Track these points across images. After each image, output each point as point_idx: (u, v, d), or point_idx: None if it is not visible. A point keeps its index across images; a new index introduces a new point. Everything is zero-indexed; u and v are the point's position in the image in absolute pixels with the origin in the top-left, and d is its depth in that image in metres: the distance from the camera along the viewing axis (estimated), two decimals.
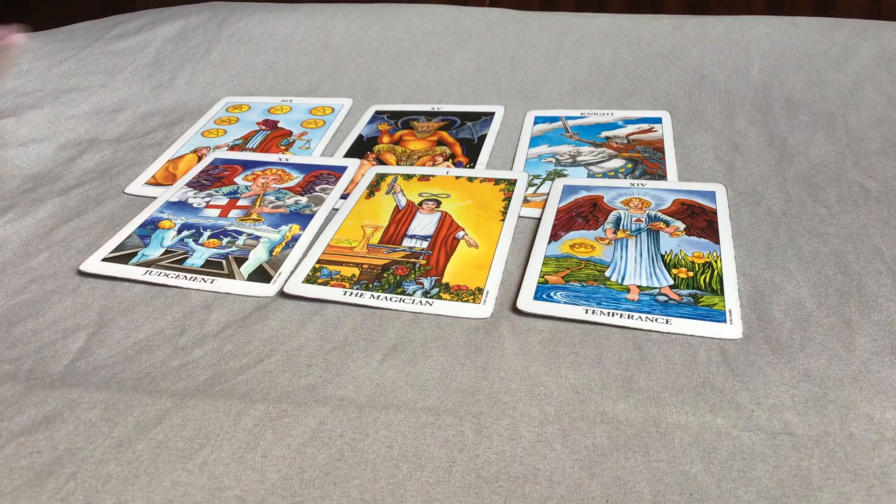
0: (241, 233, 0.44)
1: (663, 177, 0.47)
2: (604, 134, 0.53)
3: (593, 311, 0.36)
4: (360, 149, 0.54)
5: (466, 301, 0.37)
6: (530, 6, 0.72)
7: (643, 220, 0.42)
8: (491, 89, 0.61)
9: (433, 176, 0.49)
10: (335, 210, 0.47)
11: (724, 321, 0.35)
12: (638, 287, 0.37)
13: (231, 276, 0.41)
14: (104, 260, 0.42)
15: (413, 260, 0.41)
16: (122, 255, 0.42)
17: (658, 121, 0.54)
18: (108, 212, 0.48)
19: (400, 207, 0.46)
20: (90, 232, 0.45)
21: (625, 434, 0.30)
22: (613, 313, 0.35)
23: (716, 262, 0.38)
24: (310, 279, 0.40)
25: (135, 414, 0.32)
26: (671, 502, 0.27)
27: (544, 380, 0.32)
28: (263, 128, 0.58)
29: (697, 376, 0.32)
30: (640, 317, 0.35)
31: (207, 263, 0.42)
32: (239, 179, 0.50)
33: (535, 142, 0.53)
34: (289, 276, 0.40)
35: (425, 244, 0.42)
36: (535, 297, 0.37)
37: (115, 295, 0.40)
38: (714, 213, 0.43)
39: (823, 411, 0.30)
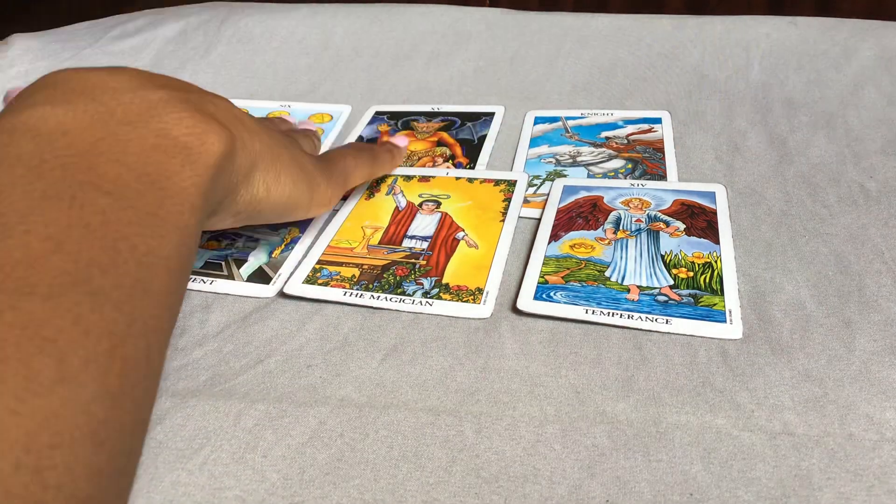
0: (239, 235, 0.44)
1: (663, 177, 0.47)
2: (604, 134, 0.53)
3: (593, 311, 0.36)
4: None
5: (466, 301, 0.37)
6: (530, 6, 0.72)
7: (643, 220, 0.42)
8: (491, 89, 0.61)
9: (433, 177, 0.49)
10: (335, 211, 0.47)
11: (724, 321, 0.35)
12: (638, 287, 0.37)
13: (230, 277, 0.41)
14: None
15: (413, 260, 0.41)
16: None
17: (658, 121, 0.54)
18: None
19: (400, 208, 0.46)
20: None
21: (625, 434, 0.30)
22: (613, 313, 0.35)
23: (716, 262, 0.38)
24: (310, 280, 0.40)
25: None
26: (671, 502, 0.27)
27: (544, 380, 0.32)
28: None
29: (697, 376, 0.32)
30: (639, 317, 0.35)
31: (206, 265, 0.42)
32: None
33: (535, 142, 0.53)
34: (288, 277, 0.40)
35: (425, 245, 0.42)
36: (535, 297, 0.37)
37: None
38: (714, 213, 0.43)
39: (823, 411, 0.30)
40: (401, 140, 0.50)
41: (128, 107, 0.25)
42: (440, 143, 0.54)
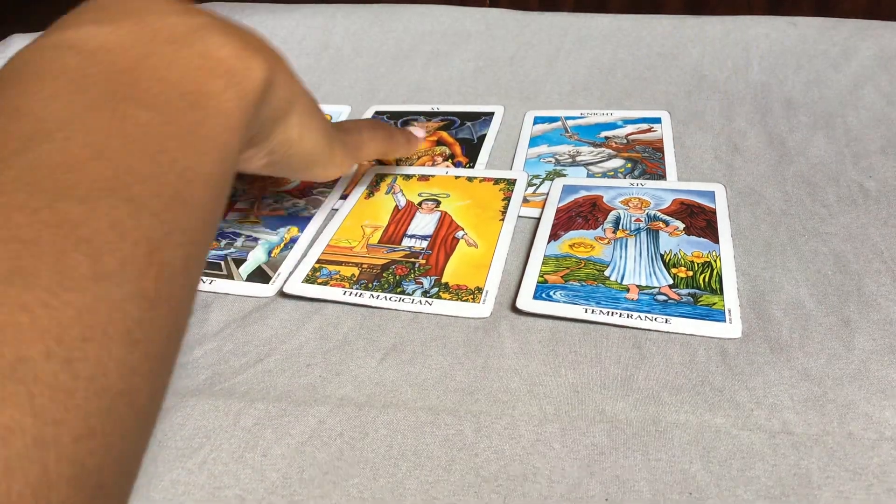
0: (238, 234, 0.44)
1: (663, 177, 0.47)
2: (603, 134, 0.53)
3: (592, 311, 0.36)
4: None
5: (466, 300, 0.37)
6: (530, 6, 0.72)
7: (642, 219, 0.42)
8: (491, 89, 0.61)
9: (433, 176, 0.49)
10: (334, 210, 0.47)
11: (724, 320, 0.35)
12: (637, 286, 0.37)
13: (230, 276, 0.41)
14: None
15: (413, 259, 0.41)
16: None
17: (658, 121, 0.54)
18: None
19: (399, 207, 0.46)
20: None
21: (624, 433, 0.30)
22: (613, 312, 0.35)
23: (715, 261, 0.38)
24: (309, 279, 0.40)
25: None
26: (670, 501, 0.27)
27: (543, 379, 0.33)
28: None
29: (696, 375, 0.32)
30: (639, 316, 0.35)
31: (206, 265, 0.42)
32: (236, 182, 0.50)
33: (534, 142, 0.53)
34: (288, 277, 0.40)
35: (425, 244, 0.42)
36: (535, 297, 0.37)
37: None
38: (713, 212, 0.43)
39: (822, 410, 0.30)
40: (418, 130, 0.50)
41: (173, 28, 0.25)
42: (440, 143, 0.54)
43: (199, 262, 0.23)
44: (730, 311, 0.35)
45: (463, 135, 0.55)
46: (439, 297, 0.38)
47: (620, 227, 0.42)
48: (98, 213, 0.18)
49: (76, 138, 0.20)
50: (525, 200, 0.46)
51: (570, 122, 0.55)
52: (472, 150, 0.53)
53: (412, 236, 0.43)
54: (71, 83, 0.21)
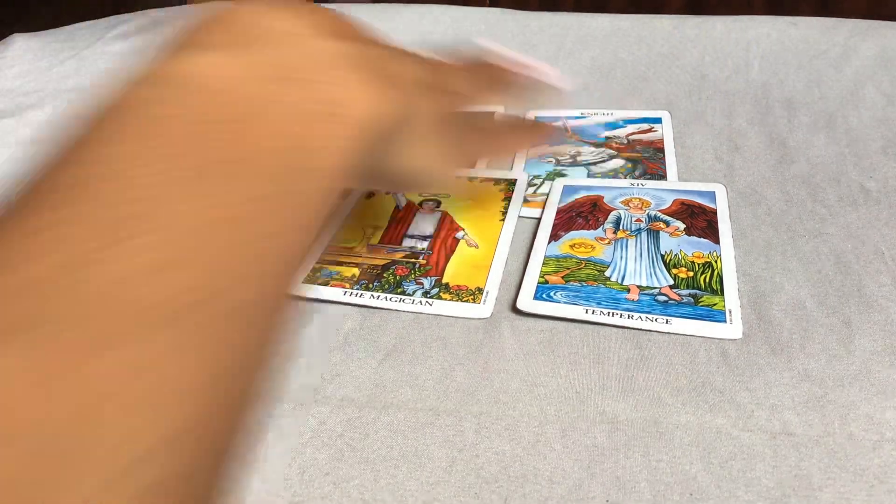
0: None
1: (663, 177, 0.47)
2: (604, 134, 0.53)
3: (593, 311, 0.36)
4: None
5: (466, 301, 0.37)
6: (530, 6, 0.72)
7: (643, 220, 0.42)
8: None
9: None
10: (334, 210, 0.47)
11: (724, 321, 0.35)
12: (638, 287, 0.37)
13: None
14: None
15: (413, 260, 0.41)
16: None
17: (658, 121, 0.54)
18: None
19: (400, 207, 0.46)
20: None
21: (625, 434, 0.30)
22: (613, 313, 0.35)
23: (716, 262, 0.38)
24: (310, 279, 0.40)
25: None
26: (671, 502, 0.27)
27: (544, 380, 0.32)
28: None
29: (697, 376, 0.32)
30: (639, 317, 0.35)
31: None
32: None
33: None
34: None
35: (425, 244, 0.42)
36: (535, 297, 0.37)
37: None
38: (714, 213, 0.42)
39: (823, 411, 0.30)
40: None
41: (296, 61, 0.22)
42: None
43: (259, 390, 0.18)
44: (730, 312, 0.35)
45: None
46: (440, 298, 0.38)
47: (621, 228, 0.42)
48: (154, 351, 0.15)
49: (172, 229, 0.16)
50: (525, 201, 0.46)
51: (570, 123, 0.55)
52: None
53: (412, 236, 0.43)
54: (175, 141, 0.18)
